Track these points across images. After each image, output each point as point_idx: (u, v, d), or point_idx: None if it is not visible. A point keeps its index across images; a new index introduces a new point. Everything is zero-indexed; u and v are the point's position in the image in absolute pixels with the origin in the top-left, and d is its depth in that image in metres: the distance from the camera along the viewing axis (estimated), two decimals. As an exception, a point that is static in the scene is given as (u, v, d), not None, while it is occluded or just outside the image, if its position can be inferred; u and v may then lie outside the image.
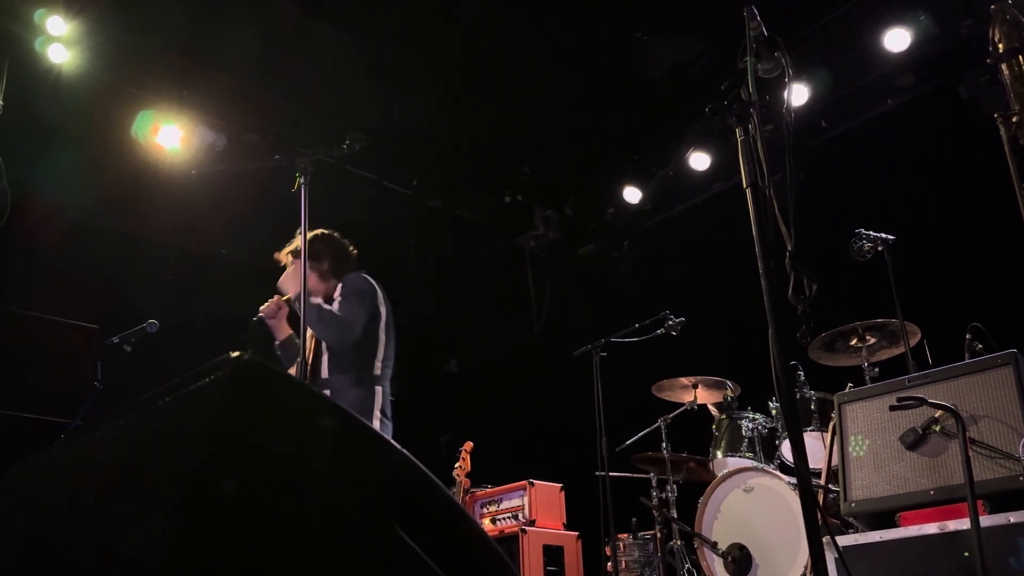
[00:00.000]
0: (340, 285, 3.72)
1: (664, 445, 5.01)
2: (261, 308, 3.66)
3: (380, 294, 3.77)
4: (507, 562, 1.14)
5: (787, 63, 2.14)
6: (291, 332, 3.76)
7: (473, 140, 6.77)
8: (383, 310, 3.77)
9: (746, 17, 2.13)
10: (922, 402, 2.79)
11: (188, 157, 5.65)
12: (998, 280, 4.96)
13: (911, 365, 3.94)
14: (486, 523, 5.47)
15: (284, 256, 3.85)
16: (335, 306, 3.64)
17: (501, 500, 5.53)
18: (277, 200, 3.15)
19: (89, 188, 5.35)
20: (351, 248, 3.91)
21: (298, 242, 3.47)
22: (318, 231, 3.79)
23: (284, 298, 3.70)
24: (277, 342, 3.77)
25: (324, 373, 3.65)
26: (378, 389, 3.66)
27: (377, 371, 3.69)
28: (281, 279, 3.76)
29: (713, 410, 5.14)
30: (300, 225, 3.29)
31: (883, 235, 3.99)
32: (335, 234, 3.89)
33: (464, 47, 5.91)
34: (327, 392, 3.51)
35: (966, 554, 2.54)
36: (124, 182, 5.55)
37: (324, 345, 3.68)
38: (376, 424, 3.55)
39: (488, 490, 5.60)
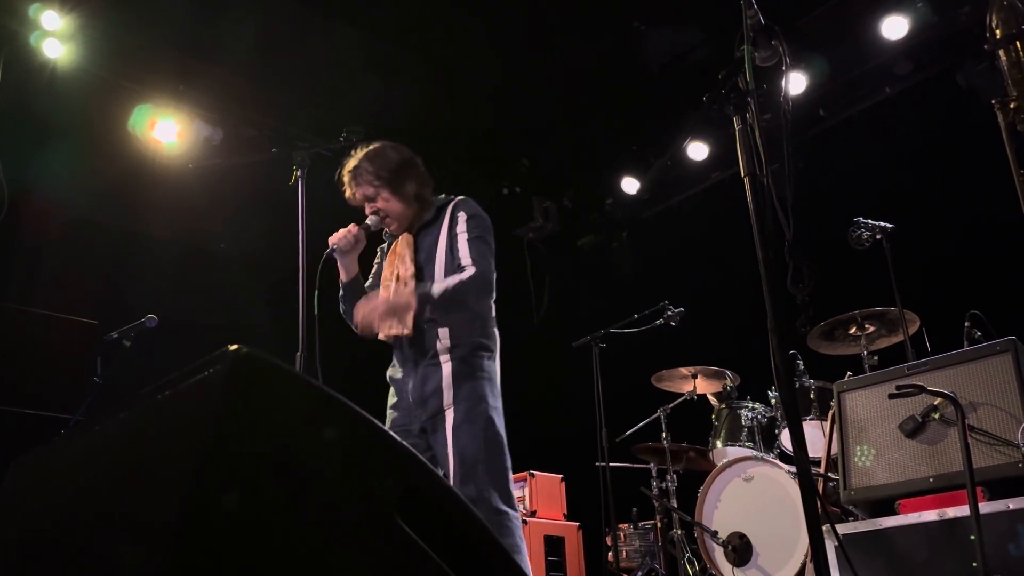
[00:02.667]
0: (462, 216, 3.03)
1: (664, 435, 5.02)
2: (332, 238, 3.01)
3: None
4: (508, 553, 1.14)
5: (784, 51, 2.13)
6: (358, 271, 3.13)
7: (471, 132, 6.75)
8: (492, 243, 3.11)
9: (743, 5, 2.12)
10: (921, 390, 2.79)
11: (185, 151, 5.63)
12: (997, 268, 4.96)
13: (910, 353, 3.94)
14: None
15: (364, 180, 3.09)
16: (461, 249, 2.94)
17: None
18: (275, 194, 3.13)
19: (86, 183, 5.34)
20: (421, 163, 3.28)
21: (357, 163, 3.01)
22: (379, 144, 3.15)
23: (362, 226, 3.04)
24: (343, 280, 3.09)
25: (441, 345, 2.91)
26: (496, 332, 3.06)
27: (493, 311, 3.07)
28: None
29: (713, 400, 5.15)
30: (298, 219, 3.22)
31: (882, 224, 3.99)
32: (413, 156, 3.25)
33: (461, 39, 5.89)
34: (444, 332, 2.89)
35: (971, 537, 2.54)
36: (121, 177, 5.54)
37: (438, 273, 2.97)
38: (497, 373, 2.99)
39: (489, 481, 5.60)
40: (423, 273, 3.02)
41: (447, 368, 2.88)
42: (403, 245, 3.10)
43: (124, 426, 1.08)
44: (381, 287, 3.07)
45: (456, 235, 3.00)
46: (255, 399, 0.93)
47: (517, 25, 5.84)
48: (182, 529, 0.82)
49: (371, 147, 3.14)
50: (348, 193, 3.12)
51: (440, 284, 2.87)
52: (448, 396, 2.84)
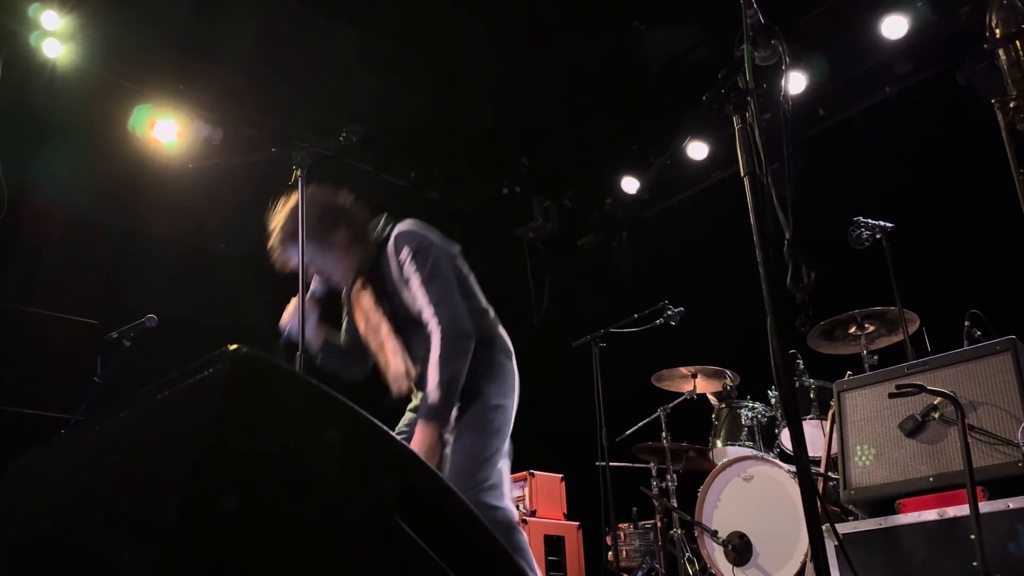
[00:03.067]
0: (405, 254, 2.83)
1: (664, 435, 5.02)
2: (282, 319, 2.95)
3: (437, 241, 2.93)
4: (507, 552, 1.14)
5: (784, 51, 2.13)
6: (325, 335, 3.04)
7: (471, 132, 6.75)
8: (451, 248, 2.97)
9: (743, 5, 2.12)
10: (921, 389, 2.79)
11: (185, 151, 5.63)
12: (997, 267, 4.96)
13: (910, 353, 3.94)
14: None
15: (279, 262, 2.96)
16: (418, 297, 2.78)
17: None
18: (275, 194, 3.13)
19: (86, 183, 5.34)
20: (350, 199, 3.02)
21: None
22: (292, 203, 2.91)
23: (307, 297, 2.89)
24: (316, 351, 3.00)
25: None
26: (500, 331, 2.94)
27: (491, 313, 2.96)
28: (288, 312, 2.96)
29: (713, 399, 5.15)
30: (298, 219, 3.16)
31: (881, 223, 3.99)
32: (327, 196, 2.98)
33: (460, 39, 5.89)
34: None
35: (971, 536, 2.55)
36: (121, 177, 5.54)
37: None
38: (514, 377, 2.90)
39: (489, 481, 5.60)
40: (399, 319, 2.86)
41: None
42: (362, 293, 2.93)
43: (124, 426, 1.08)
44: (371, 346, 2.93)
45: (407, 279, 2.82)
46: (255, 399, 0.93)
47: (517, 25, 5.84)
48: (182, 529, 0.82)
49: (286, 207, 2.93)
50: (279, 265, 2.94)
51: (433, 391, 2.67)
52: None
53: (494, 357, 2.87)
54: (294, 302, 2.92)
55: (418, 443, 2.65)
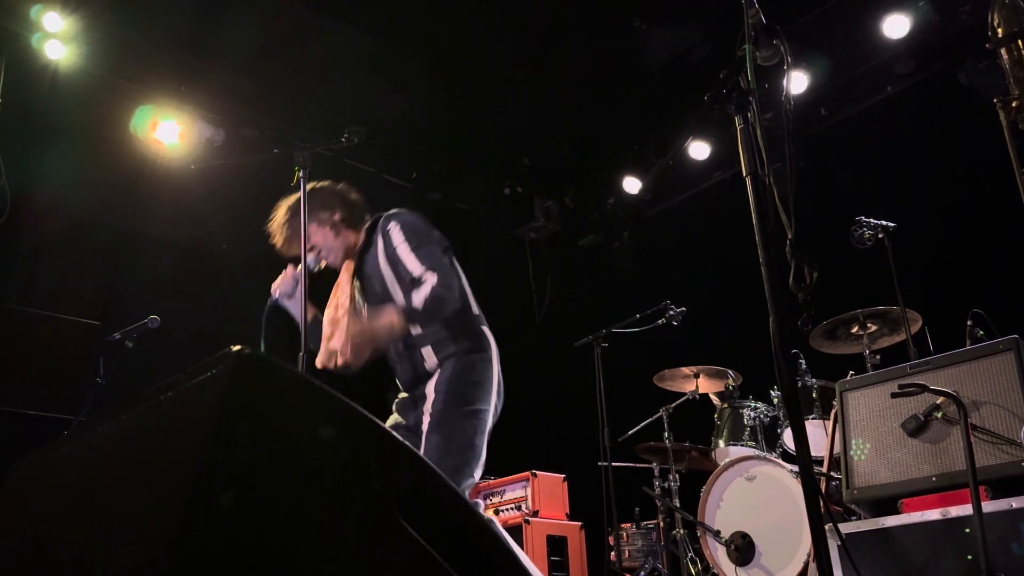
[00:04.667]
0: (394, 228, 2.90)
1: (666, 435, 5.01)
2: (273, 285, 3.00)
3: (427, 224, 2.98)
4: (510, 551, 1.14)
5: (786, 51, 2.13)
6: (316, 312, 3.06)
7: (472, 132, 6.75)
8: (447, 245, 2.97)
9: (744, 5, 2.12)
10: (924, 389, 2.79)
11: (187, 152, 5.64)
12: (999, 266, 4.95)
13: (912, 352, 3.94)
14: (489, 514, 5.48)
15: (280, 240, 3.07)
16: (408, 263, 2.83)
17: (504, 491, 5.54)
18: (277, 194, 3.13)
19: (88, 184, 5.35)
20: (351, 188, 3.15)
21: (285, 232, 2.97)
22: (313, 190, 3.04)
23: (299, 268, 2.96)
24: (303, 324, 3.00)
25: (413, 329, 2.83)
26: (485, 330, 2.94)
27: (476, 310, 2.95)
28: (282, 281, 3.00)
29: (715, 399, 5.15)
30: (300, 218, 3.17)
31: (884, 222, 3.99)
32: (324, 184, 3.12)
33: (462, 39, 5.90)
34: (444, 372, 2.81)
35: (968, 531, 2.54)
36: (123, 178, 5.54)
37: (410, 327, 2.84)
38: (495, 379, 2.87)
39: (491, 481, 5.62)
40: (375, 298, 2.91)
41: (432, 383, 2.80)
42: (343, 273, 3.02)
43: (126, 427, 1.08)
44: (325, 321, 2.96)
45: (395, 250, 2.86)
46: (257, 400, 0.93)
47: (518, 25, 5.84)
48: (184, 529, 0.82)
49: (293, 197, 3.05)
50: (279, 245, 3.06)
51: (418, 296, 2.74)
52: (429, 401, 2.77)
53: (486, 355, 2.89)
54: (289, 270, 3.00)
55: (379, 320, 2.71)
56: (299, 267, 2.95)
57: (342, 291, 2.99)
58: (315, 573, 0.90)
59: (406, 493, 1.03)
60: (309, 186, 3.02)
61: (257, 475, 0.90)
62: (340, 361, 2.78)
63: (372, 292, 2.95)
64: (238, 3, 5.25)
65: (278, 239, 3.08)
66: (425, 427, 2.73)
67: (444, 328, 2.84)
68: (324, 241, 3.03)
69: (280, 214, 3.09)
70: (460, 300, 2.83)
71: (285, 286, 2.98)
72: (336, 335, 2.84)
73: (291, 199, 3.07)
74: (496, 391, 2.88)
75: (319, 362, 2.86)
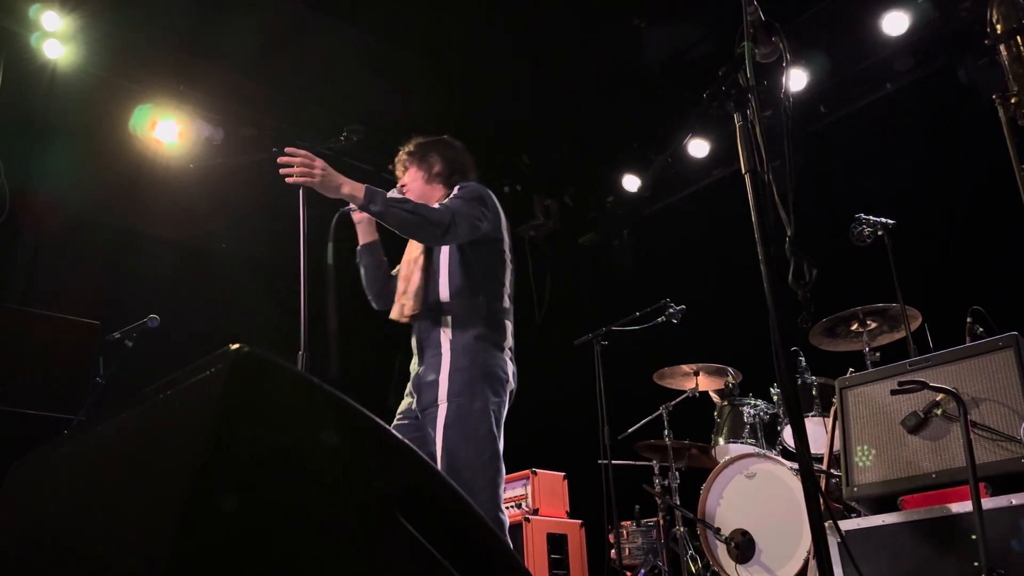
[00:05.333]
0: (456, 190, 3.02)
1: (666, 432, 5.01)
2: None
3: (503, 216, 3.10)
4: (510, 549, 1.14)
5: (785, 48, 2.13)
6: (378, 238, 3.16)
7: (471, 130, 6.74)
8: (506, 235, 3.08)
9: (743, 2, 2.12)
10: (923, 386, 2.79)
11: (186, 152, 5.64)
12: (999, 263, 4.95)
13: (912, 349, 3.94)
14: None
15: (400, 162, 3.24)
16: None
17: (504, 490, 5.53)
18: (276, 194, 3.14)
19: (88, 184, 5.35)
20: (464, 151, 3.30)
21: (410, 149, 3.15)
22: (432, 138, 3.25)
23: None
24: (360, 244, 3.13)
25: (442, 294, 2.93)
26: (508, 324, 2.98)
27: (506, 303, 3.00)
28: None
29: (715, 397, 5.15)
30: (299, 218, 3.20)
31: (883, 220, 3.98)
32: (456, 142, 3.29)
33: (461, 37, 5.89)
34: (447, 319, 2.89)
35: (973, 537, 2.54)
36: (122, 177, 5.54)
37: (443, 257, 2.97)
38: (510, 369, 2.92)
39: (491, 480, 5.60)
40: (437, 259, 2.99)
41: (447, 359, 2.82)
42: None
43: (125, 426, 1.08)
44: (400, 276, 3.07)
45: (450, 196, 2.99)
46: (256, 398, 0.93)
47: (517, 23, 5.84)
48: (184, 528, 0.82)
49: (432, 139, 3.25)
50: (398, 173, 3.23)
51: (398, 195, 2.90)
52: (443, 390, 2.77)
53: (502, 349, 2.92)
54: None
55: (352, 184, 2.81)
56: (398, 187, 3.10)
57: (416, 246, 3.07)
58: (315, 572, 0.90)
59: (406, 492, 1.03)
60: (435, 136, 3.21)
61: (256, 474, 0.90)
62: (408, 312, 2.93)
63: (433, 258, 3.04)
64: (237, 2, 5.24)
65: (397, 170, 3.25)
66: (441, 420, 2.74)
67: (473, 306, 2.90)
68: (416, 187, 3.14)
69: (410, 146, 3.24)
70: (462, 233, 2.87)
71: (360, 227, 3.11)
72: (408, 290, 2.96)
73: (423, 139, 3.24)
74: (508, 387, 2.92)
75: (392, 314, 3.00)
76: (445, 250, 2.98)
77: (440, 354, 2.85)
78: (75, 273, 5.42)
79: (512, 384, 2.94)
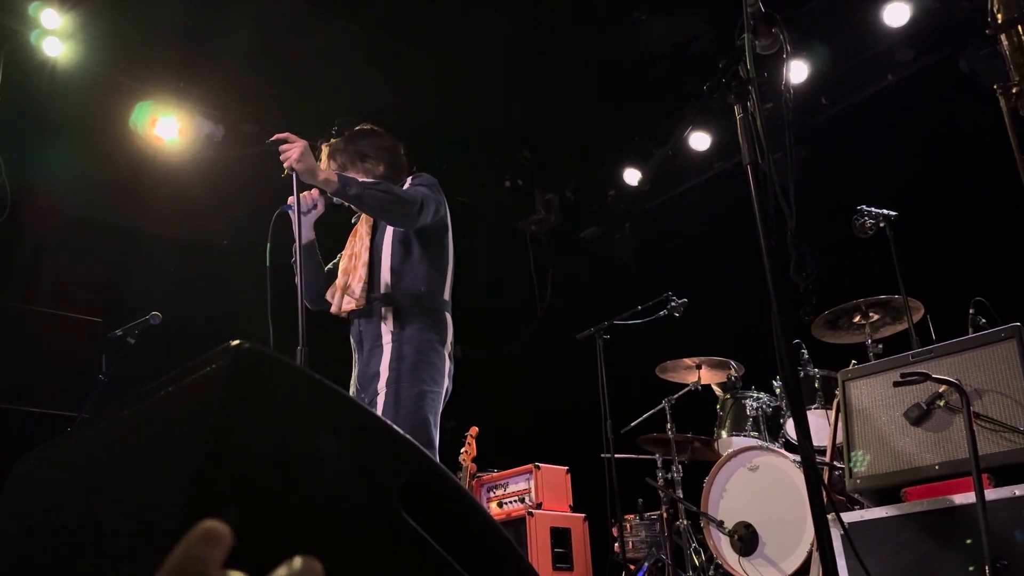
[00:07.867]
0: (408, 181, 3.07)
1: (669, 426, 5.02)
2: (291, 199, 2.90)
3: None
4: (513, 544, 1.14)
5: (785, 39, 2.12)
6: (315, 238, 3.13)
7: (472, 125, 6.74)
8: (450, 226, 3.13)
9: (743, -6, 2.11)
10: (926, 377, 2.78)
11: (186, 148, 5.64)
12: (1001, 254, 4.95)
13: (915, 341, 3.93)
14: (493, 507, 5.49)
15: (324, 152, 3.16)
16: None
17: (507, 484, 5.55)
18: (277, 191, 3.13)
19: (88, 181, 5.35)
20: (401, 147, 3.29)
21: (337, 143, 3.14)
22: (367, 126, 3.25)
23: (323, 194, 2.98)
24: (297, 245, 2.99)
25: (384, 288, 2.96)
26: (448, 318, 3.01)
27: (447, 295, 3.04)
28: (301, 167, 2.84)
29: (717, 390, 5.15)
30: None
31: (885, 211, 3.98)
32: (389, 135, 3.28)
33: (461, 32, 5.88)
34: (389, 312, 2.92)
35: (976, 529, 2.54)
36: (123, 174, 5.54)
37: (385, 250, 3.00)
38: (446, 366, 2.94)
39: (494, 474, 5.63)
40: (379, 253, 3.02)
41: (388, 351, 2.86)
42: (362, 224, 3.12)
43: (127, 423, 1.08)
44: (340, 269, 3.08)
45: (403, 186, 3.03)
46: (257, 394, 0.93)
47: (517, 17, 5.82)
48: (186, 525, 0.82)
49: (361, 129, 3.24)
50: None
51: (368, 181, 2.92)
52: (383, 379, 2.83)
53: (442, 344, 2.96)
54: (307, 196, 3.05)
55: (325, 171, 2.85)
56: (320, 195, 3.04)
57: (360, 241, 3.08)
58: (317, 567, 0.90)
59: (408, 486, 1.03)
60: (366, 126, 3.23)
61: (259, 469, 0.90)
62: (351, 306, 2.95)
63: (379, 248, 3.07)
64: (236, -1, 5.24)
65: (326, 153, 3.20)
66: (380, 406, 2.78)
67: (416, 302, 2.94)
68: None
69: (336, 141, 3.21)
70: (427, 218, 2.93)
71: (303, 204, 2.99)
72: (351, 284, 2.98)
73: (326, 148, 3.19)
74: (445, 383, 2.95)
75: (332, 309, 3.02)
76: (388, 244, 3.01)
77: (382, 346, 2.89)
78: (77, 271, 5.43)
79: (448, 383, 2.97)
